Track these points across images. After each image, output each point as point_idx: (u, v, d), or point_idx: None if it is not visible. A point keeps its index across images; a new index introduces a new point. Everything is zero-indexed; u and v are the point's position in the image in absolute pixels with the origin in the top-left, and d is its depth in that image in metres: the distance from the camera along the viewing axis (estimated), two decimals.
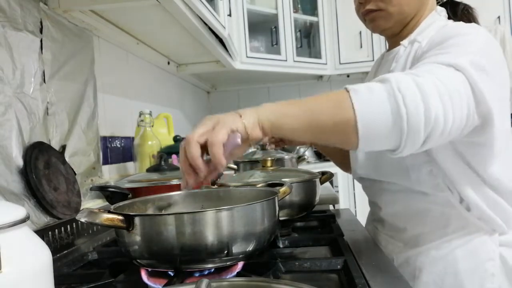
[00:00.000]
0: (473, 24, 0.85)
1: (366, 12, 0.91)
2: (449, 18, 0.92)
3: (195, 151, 0.60)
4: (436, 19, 0.89)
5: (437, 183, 0.82)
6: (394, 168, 0.85)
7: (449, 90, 0.63)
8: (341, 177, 2.85)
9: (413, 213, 0.88)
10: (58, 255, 0.91)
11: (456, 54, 0.70)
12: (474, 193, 0.80)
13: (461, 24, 0.83)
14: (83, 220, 0.58)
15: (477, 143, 0.76)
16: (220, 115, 0.63)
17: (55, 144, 1.11)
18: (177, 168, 1.21)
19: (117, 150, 1.55)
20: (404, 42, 0.89)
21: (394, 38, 0.95)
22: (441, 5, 0.94)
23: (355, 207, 2.87)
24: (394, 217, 0.93)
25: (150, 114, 1.53)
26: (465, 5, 0.95)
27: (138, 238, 0.61)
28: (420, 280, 0.85)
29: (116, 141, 1.56)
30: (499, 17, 3.03)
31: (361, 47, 3.19)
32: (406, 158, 0.80)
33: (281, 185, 0.81)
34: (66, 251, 0.95)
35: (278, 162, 1.56)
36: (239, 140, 0.61)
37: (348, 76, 3.38)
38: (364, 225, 1.04)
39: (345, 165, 1.14)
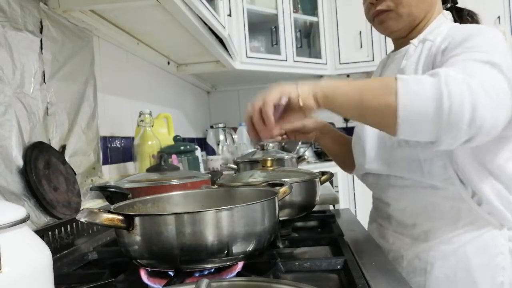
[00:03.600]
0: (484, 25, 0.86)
1: (377, 13, 0.92)
2: (454, 21, 0.95)
3: (270, 107, 0.70)
4: (443, 22, 0.91)
5: (449, 176, 0.82)
6: (407, 162, 0.86)
7: (497, 90, 0.65)
8: (341, 177, 2.85)
9: (422, 208, 0.88)
10: (58, 255, 0.91)
11: (491, 53, 0.72)
12: (488, 188, 0.81)
13: (475, 24, 0.85)
14: (83, 220, 0.58)
15: (503, 136, 0.76)
16: (286, 84, 0.73)
17: (55, 144, 1.11)
18: (176, 168, 1.21)
19: (117, 150, 1.55)
20: (414, 41, 0.91)
21: (401, 40, 0.96)
22: (446, 10, 0.97)
23: (355, 207, 2.87)
24: (402, 213, 0.93)
25: (150, 114, 1.52)
26: (469, 11, 0.97)
27: (138, 238, 0.61)
28: (432, 274, 0.85)
29: (116, 141, 1.55)
30: (499, 17, 3.03)
31: (361, 47, 3.18)
32: (420, 151, 0.82)
33: (281, 185, 0.81)
34: (66, 251, 0.95)
35: (278, 162, 1.56)
36: (283, 101, 0.70)
37: (348, 76, 3.38)
38: (364, 225, 1.04)
39: (347, 164, 1.14)
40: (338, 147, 1.13)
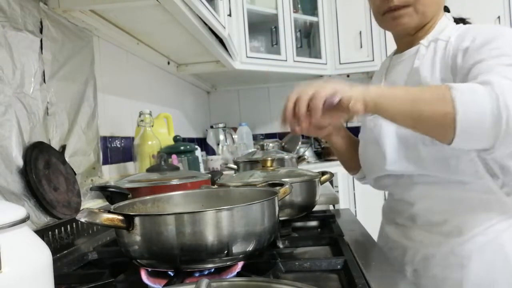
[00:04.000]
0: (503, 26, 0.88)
1: (394, 8, 0.90)
2: (456, 23, 0.96)
3: (322, 102, 0.70)
4: (448, 23, 0.93)
5: (476, 170, 0.82)
6: (433, 159, 0.85)
7: None
8: (341, 177, 2.85)
9: (451, 204, 0.88)
10: (58, 255, 0.91)
11: None
12: None
13: (494, 24, 0.86)
14: (83, 220, 0.58)
15: None
16: (338, 81, 0.72)
17: (55, 144, 1.11)
18: (176, 168, 1.21)
19: (117, 150, 1.55)
20: (423, 41, 0.92)
21: (406, 39, 0.97)
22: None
23: (355, 207, 2.87)
24: (429, 211, 0.91)
25: (150, 114, 1.53)
26: (465, 19, 0.98)
27: (138, 238, 0.61)
28: (469, 268, 0.84)
29: (116, 141, 1.56)
30: (499, 17, 3.03)
31: (361, 47, 3.18)
32: (446, 148, 0.80)
33: (281, 185, 0.81)
34: (66, 251, 0.95)
35: (278, 162, 1.56)
36: (335, 100, 0.70)
37: (348, 76, 3.38)
38: (364, 225, 1.04)
39: (352, 165, 1.12)
40: (347, 146, 1.10)
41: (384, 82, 1.01)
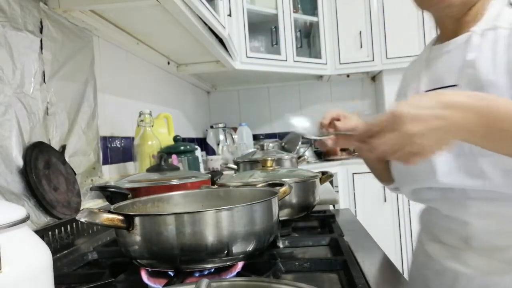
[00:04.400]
0: None
1: None
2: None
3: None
4: (502, 6, 0.79)
5: None
6: (497, 172, 0.71)
7: None
8: (341, 177, 2.85)
9: None
10: (58, 255, 0.91)
11: None
12: None
13: None
14: (83, 220, 0.58)
15: None
16: (429, 126, 0.56)
17: (55, 144, 1.11)
18: (176, 168, 1.21)
19: (117, 150, 1.55)
20: (475, 29, 0.78)
21: (450, 25, 0.84)
22: None
23: (355, 207, 2.88)
24: (489, 233, 0.77)
25: (150, 114, 1.52)
26: None
27: (138, 238, 0.61)
28: None
29: (116, 141, 1.56)
30: None
31: (361, 47, 3.18)
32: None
33: (281, 185, 0.81)
34: (66, 251, 0.95)
35: (278, 162, 1.56)
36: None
37: (348, 76, 3.38)
38: (364, 225, 1.04)
39: (386, 176, 1.00)
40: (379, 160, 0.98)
41: (424, 75, 0.87)
